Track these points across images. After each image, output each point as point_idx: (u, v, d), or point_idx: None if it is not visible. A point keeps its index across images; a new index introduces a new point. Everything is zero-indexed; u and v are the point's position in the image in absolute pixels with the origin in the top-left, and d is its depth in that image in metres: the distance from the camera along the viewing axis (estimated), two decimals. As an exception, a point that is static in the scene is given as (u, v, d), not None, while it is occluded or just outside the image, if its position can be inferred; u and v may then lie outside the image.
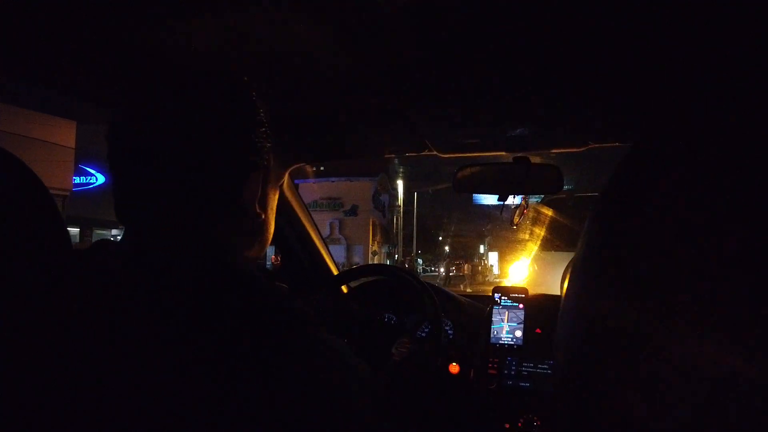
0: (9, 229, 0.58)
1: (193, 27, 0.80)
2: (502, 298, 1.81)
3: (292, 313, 0.60)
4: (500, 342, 1.75)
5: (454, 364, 1.71)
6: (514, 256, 5.80)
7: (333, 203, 31.93)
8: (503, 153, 1.57)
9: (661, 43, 0.83)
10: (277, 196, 0.78)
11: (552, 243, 5.14)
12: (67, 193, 11.92)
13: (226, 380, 0.53)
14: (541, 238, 5.39)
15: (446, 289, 2.06)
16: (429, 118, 1.29)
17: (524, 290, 1.84)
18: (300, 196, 1.95)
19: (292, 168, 1.69)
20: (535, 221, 5.68)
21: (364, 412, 0.60)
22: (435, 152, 1.56)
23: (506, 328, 1.76)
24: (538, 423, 1.55)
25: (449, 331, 1.82)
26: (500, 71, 0.96)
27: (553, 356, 0.37)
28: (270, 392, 0.53)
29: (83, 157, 13.14)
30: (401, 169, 35.59)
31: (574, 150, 1.46)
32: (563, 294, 0.38)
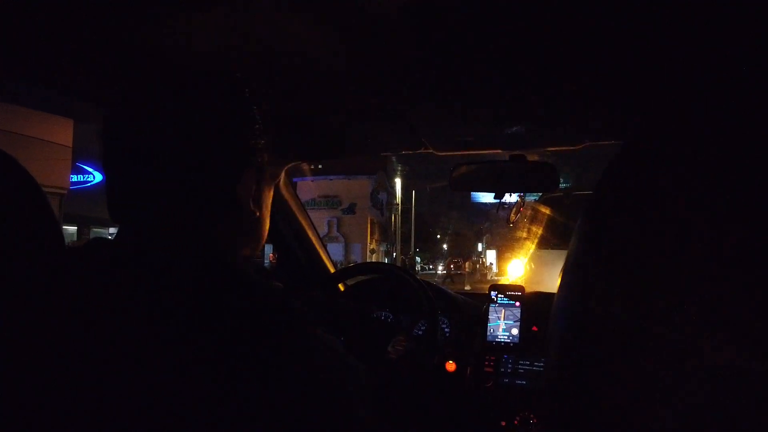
0: (1, 227, 0.57)
1: (190, 25, 0.80)
2: (499, 296, 1.81)
3: (292, 313, 0.60)
4: (497, 340, 1.75)
5: (451, 362, 1.71)
6: (512, 254, 5.81)
7: (331, 201, 31.91)
8: (500, 151, 1.57)
9: (658, 42, 0.83)
10: (272, 194, 0.78)
11: (549, 241, 5.14)
12: (65, 192, 11.89)
13: (226, 380, 0.52)
14: (538, 236, 5.40)
15: (443, 287, 2.07)
16: (425, 116, 1.29)
17: (521, 288, 1.84)
18: (297, 195, 1.95)
19: (289, 166, 1.68)
20: (533, 219, 5.69)
21: (364, 412, 0.60)
22: (432, 150, 1.56)
23: (503, 326, 1.76)
24: (535, 421, 1.56)
25: (446, 329, 1.82)
26: (497, 69, 0.96)
27: (546, 353, 0.37)
28: (270, 392, 0.53)
29: (80, 155, 13.12)
30: (399, 167, 35.60)
31: (571, 148, 1.46)
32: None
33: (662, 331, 0.26)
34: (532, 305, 1.77)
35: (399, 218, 35.35)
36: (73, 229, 15.49)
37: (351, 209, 31.77)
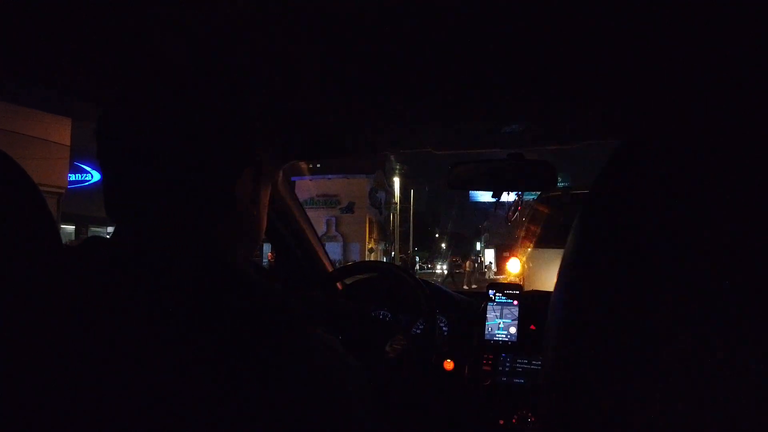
0: None
1: (187, 24, 0.80)
2: (497, 294, 1.81)
3: (292, 313, 0.60)
4: (494, 339, 1.75)
5: (449, 360, 1.72)
6: (510, 253, 5.81)
7: (329, 200, 31.94)
8: (498, 150, 1.57)
9: (657, 40, 0.83)
10: (269, 193, 0.78)
11: (548, 240, 5.15)
12: (63, 191, 11.88)
13: (226, 380, 0.52)
14: (536, 235, 5.40)
15: (441, 285, 2.07)
16: (424, 114, 1.29)
17: (519, 287, 1.84)
18: (295, 194, 1.95)
19: (286, 165, 1.68)
20: (531, 218, 5.69)
21: (363, 412, 0.60)
22: (430, 149, 1.56)
23: (500, 325, 1.77)
24: (532, 419, 1.56)
25: (444, 328, 1.82)
26: (496, 68, 0.96)
27: (542, 351, 0.38)
28: (270, 392, 0.53)
29: (78, 154, 13.11)
30: (398, 166, 35.61)
31: (569, 146, 1.46)
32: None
33: (659, 329, 0.26)
34: (530, 304, 1.78)
35: (398, 217, 35.38)
36: (71, 228, 15.48)
37: (349, 208, 31.80)
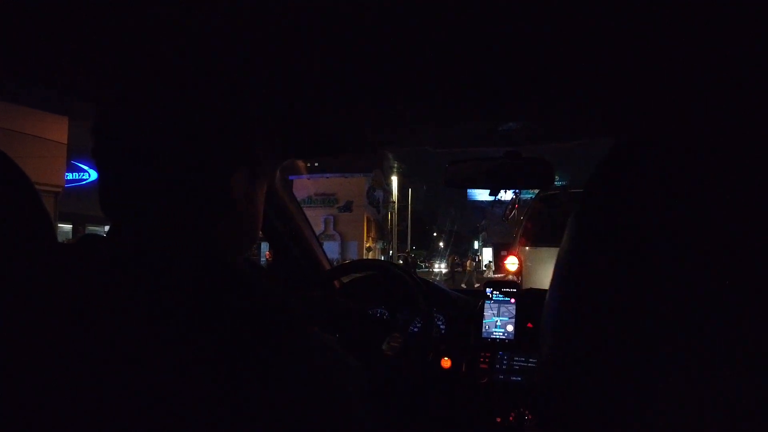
0: None
1: (184, 22, 0.80)
2: (494, 292, 1.82)
3: (292, 313, 0.60)
4: (492, 336, 1.75)
5: (446, 358, 1.72)
6: (509, 252, 5.81)
7: (327, 199, 31.91)
8: (496, 147, 1.57)
9: (656, 39, 0.83)
10: (264, 191, 0.78)
11: (545, 238, 5.15)
12: (60, 190, 11.83)
13: (226, 380, 0.52)
14: (535, 233, 5.40)
15: (438, 283, 2.07)
16: (421, 113, 1.29)
17: (516, 285, 1.84)
18: (292, 192, 1.95)
19: (283, 163, 1.68)
20: (530, 217, 5.69)
21: (363, 412, 0.60)
22: (427, 147, 1.56)
23: (498, 323, 1.77)
24: (530, 417, 1.56)
25: (441, 326, 1.83)
26: (493, 66, 0.96)
27: (539, 348, 0.38)
28: (270, 392, 0.53)
29: (76, 153, 13.05)
30: (395, 165, 35.58)
31: (566, 144, 1.46)
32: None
33: (656, 328, 0.26)
34: (527, 302, 1.78)
35: (395, 216, 35.35)
36: (68, 227, 15.43)
37: (347, 207, 31.77)
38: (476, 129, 1.46)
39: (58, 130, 11.38)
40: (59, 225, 14.09)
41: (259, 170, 0.72)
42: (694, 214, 0.26)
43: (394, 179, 35.68)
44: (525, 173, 1.54)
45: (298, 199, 1.96)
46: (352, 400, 0.60)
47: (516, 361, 1.69)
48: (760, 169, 0.25)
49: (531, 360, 1.67)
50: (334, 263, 2.11)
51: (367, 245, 32.13)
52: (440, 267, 39.27)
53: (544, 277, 4.47)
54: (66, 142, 11.69)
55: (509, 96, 1.14)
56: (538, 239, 5.29)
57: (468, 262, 28.00)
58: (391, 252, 35.00)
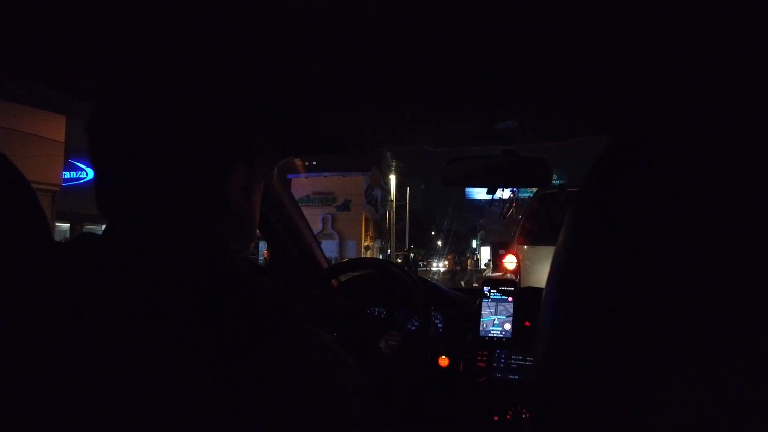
0: None
1: (184, 21, 0.80)
2: (492, 291, 1.82)
3: (292, 312, 0.60)
4: (489, 335, 1.76)
5: (444, 357, 1.72)
6: (507, 250, 5.82)
7: (325, 198, 31.88)
8: (493, 146, 1.58)
9: (654, 38, 0.83)
10: (261, 189, 0.78)
11: (543, 237, 5.16)
12: (57, 188, 11.80)
13: (226, 380, 0.52)
14: (533, 232, 5.41)
15: (436, 282, 2.07)
16: (419, 112, 1.29)
17: (514, 283, 1.85)
18: (290, 191, 1.95)
19: (281, 161, 1.68)
20: (528, 215, 5.70)
21: (362, 412, 0.60)
22: (425, 145, 1.56)
23: (495, 321, 1.77)
24: (527, 415, 1.56)
25: (439, 325, 1.83)
26: (491, 65, 0.96)
27: (536, 347, 0.38)
28: (270, 392, 0.53)
29: (73, 151, 13.01)
30: (394, 164, 35.58)
31: (564, 143, 1.46)
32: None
33: (653, 326, 0.26)
34: (524, 300, 1.78)
35: (393, 215, 35.35)
36: (65, 226, 15.39)
37: (345, 206, 31.75)
38: (475, 128, 1.46)
39: (55, 128, 11.34)
40: (57, 224, 14.06)
41: (257, 168, 0.72)
42: (692, 212, 0.26)
43: (392, 178, 35.69)
44: (523, 172, 1.54)
45: (297, 198, 1.96)
46: (352, 400, 0.60)
47: (513, 359, 1.69)
48: (759, 166, 0.25)
49: (528, 358, 1.67)
50: (332, 262, 2.11)
51: (366, 244, 32.13)
52: (438, 266, 39.30)
53: (542, 275, 4.47)
54: (63, 140, 11.65)
55: (508, 95, 1.14)
56: (536, 238, 5.30)
57: (469, 261, 28.04)
58: (389, 251, 35.01)
